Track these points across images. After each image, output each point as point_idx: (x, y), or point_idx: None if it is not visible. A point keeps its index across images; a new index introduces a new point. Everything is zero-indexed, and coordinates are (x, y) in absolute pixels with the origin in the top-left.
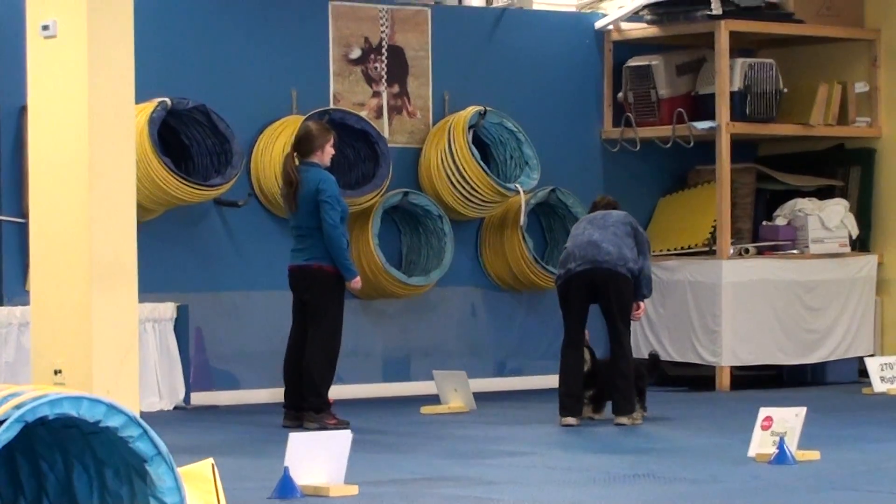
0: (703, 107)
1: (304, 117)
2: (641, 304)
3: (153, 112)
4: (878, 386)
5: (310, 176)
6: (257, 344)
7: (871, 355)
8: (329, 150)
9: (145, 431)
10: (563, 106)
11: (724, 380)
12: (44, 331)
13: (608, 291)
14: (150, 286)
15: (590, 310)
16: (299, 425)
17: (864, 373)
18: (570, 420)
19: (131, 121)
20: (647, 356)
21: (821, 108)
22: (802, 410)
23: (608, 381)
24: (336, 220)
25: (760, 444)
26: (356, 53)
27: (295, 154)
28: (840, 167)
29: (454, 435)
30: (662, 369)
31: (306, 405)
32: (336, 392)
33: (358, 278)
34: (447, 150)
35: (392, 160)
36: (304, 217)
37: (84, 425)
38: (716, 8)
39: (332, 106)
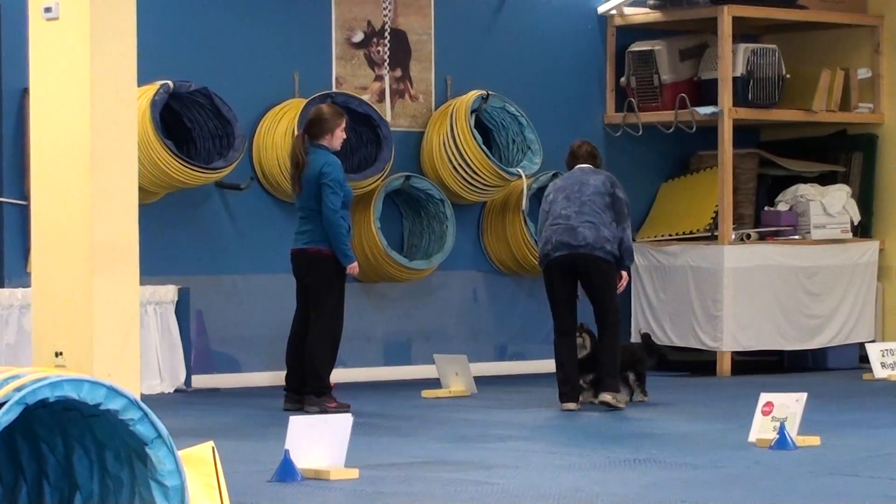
0: (705, 92)
1: (306, 101)
2: (624, 273)
3: (155, 95)
4: (879, 372)
5: (316, 158)
6: (258, 327)
7: (872, 341)
8: (339, 135)
9: (146, 414)
10: (565, 90)
11: (724, 365)
12: (45, 313)
13: (589, 275)
14: (152, 269)
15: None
16: (300, 409)
17: (864, 358)
18: (571, 405)
19: (133, 103)
20: (640, 339)
21: (823, 93)
22: (803, 396)
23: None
24: (336, 204)
25: (761, 429)
26: (359, 37)
27: (305, 136)
28: (842, 153)
29: (455, 419)
30: (658, 349)
31: (307, 388)
32: (337, 375)
33: (355, 264)
34: (449, 135)
35: (394, 144)
36: (308, 199)
37: (85, 408)
38: None
39: (334, 89)
